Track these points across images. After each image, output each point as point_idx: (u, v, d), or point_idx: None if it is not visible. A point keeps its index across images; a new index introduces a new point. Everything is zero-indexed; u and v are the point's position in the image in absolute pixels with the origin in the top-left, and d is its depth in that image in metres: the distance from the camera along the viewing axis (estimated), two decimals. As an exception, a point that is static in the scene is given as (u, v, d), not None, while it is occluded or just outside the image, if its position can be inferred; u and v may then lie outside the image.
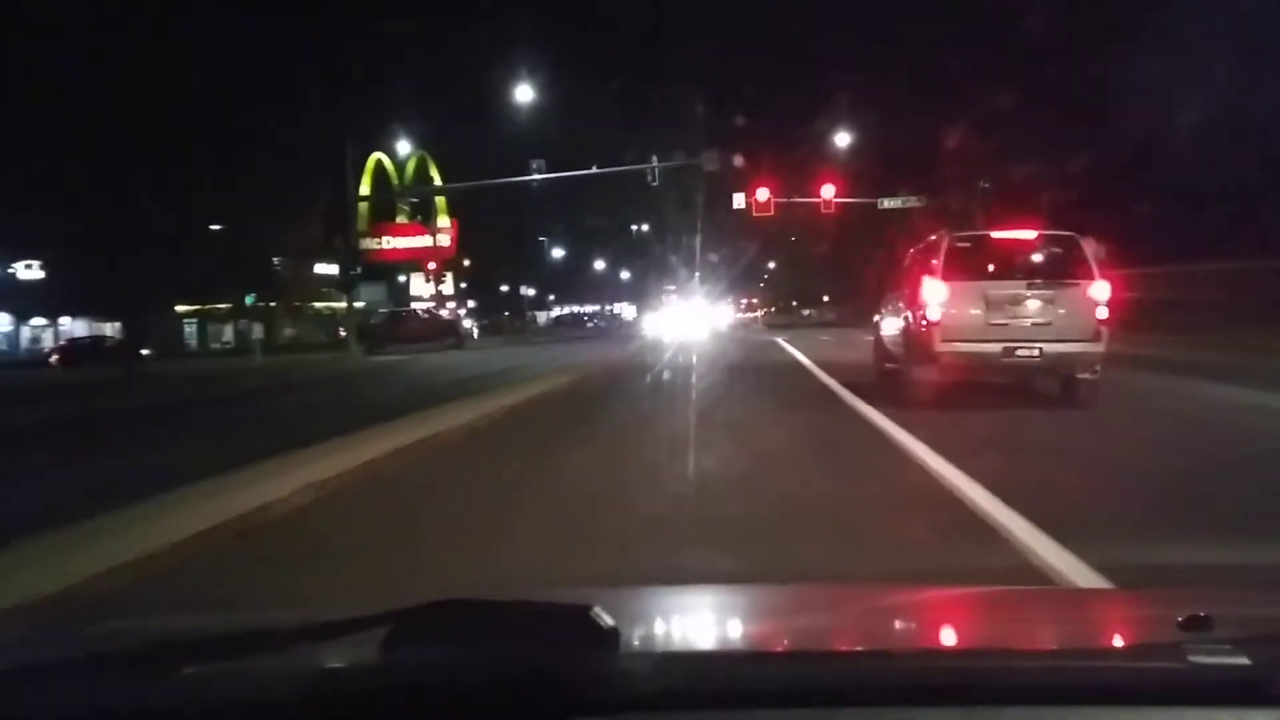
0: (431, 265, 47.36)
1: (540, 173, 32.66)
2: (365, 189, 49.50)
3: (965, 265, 10.32)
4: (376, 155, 49.07)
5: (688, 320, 47.75)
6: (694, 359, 23.60)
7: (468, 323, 48.75)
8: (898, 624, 1.80)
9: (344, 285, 33.66)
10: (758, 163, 47.24)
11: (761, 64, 68.98)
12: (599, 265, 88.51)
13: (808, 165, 48.12)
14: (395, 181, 49.82)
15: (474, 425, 10.06)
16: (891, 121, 47.47)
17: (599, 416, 11.48)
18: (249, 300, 41.84)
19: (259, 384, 22.61)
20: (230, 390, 20.49)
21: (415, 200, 49.44)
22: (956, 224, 44.40)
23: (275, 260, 50.27)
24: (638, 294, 77.28)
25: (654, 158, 33.09)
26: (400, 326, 39.12)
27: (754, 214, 44.11)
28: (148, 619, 2.58)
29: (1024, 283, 10.10)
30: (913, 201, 44.13)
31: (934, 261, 10.40)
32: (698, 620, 1.83)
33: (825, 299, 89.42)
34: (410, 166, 50.07)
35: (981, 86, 39.64)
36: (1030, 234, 10.89)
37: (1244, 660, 1.19)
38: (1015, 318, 9.94)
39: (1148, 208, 28.16)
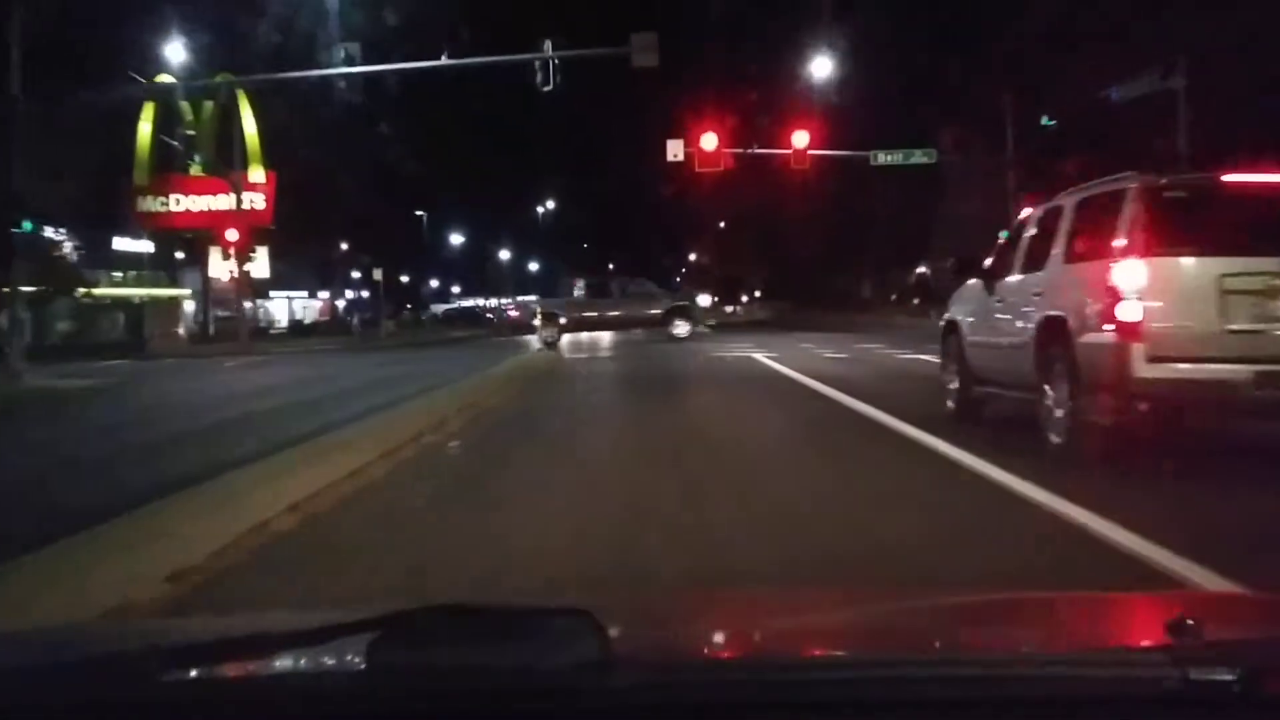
0: (232, 235, 32.65)
1: (353, 63, 18.83)
2: (145, 129, 34.74)
3: (1181, 230, 6.42)
4: (164, 78, 34.21)
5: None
6: (600, 387, 14.15)
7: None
8: (889, 631, 1.74)
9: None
10: (703, 100, 34.05)
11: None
12: (504, 254, 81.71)
13: (772, 107, 35.15)
14: (190, 118, 35.02)
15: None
16: (887, 50, 34.64)
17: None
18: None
19: None
20: None
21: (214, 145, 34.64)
22: (987, 186, 31.81)
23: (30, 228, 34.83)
24: (549, 286, 67.97)
25: (547, 45, 19.53)
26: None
27: (698, 168, 30.87)
28: (134, 624, 2.64)
29: None
30: (919, 157, 31.42)
31: (1124, 221, 6.41)
32: (692, 625, 1.82)
33: (758, 294, 77.71)
34: (209, 100, 35.20)
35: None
36: None
37: (1233, 666, 1.18)
38: (1271, 320, 5.94)
39: None
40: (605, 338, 33.20)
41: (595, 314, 29.07)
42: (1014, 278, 7.75)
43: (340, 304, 73.31)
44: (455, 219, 74.29)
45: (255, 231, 34.83)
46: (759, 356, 18.36)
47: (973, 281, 8.65)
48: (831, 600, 2.18)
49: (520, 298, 76.62)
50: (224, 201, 34.27)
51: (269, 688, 1.25)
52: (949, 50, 32.01)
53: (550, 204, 71.28)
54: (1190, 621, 1.27)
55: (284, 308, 67.43)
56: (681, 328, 28.19)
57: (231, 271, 33.33)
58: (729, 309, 69.04)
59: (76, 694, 1.18)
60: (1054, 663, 1.31)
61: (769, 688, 1.20)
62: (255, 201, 35.14)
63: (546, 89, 19.26)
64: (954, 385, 8.71)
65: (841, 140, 33.04)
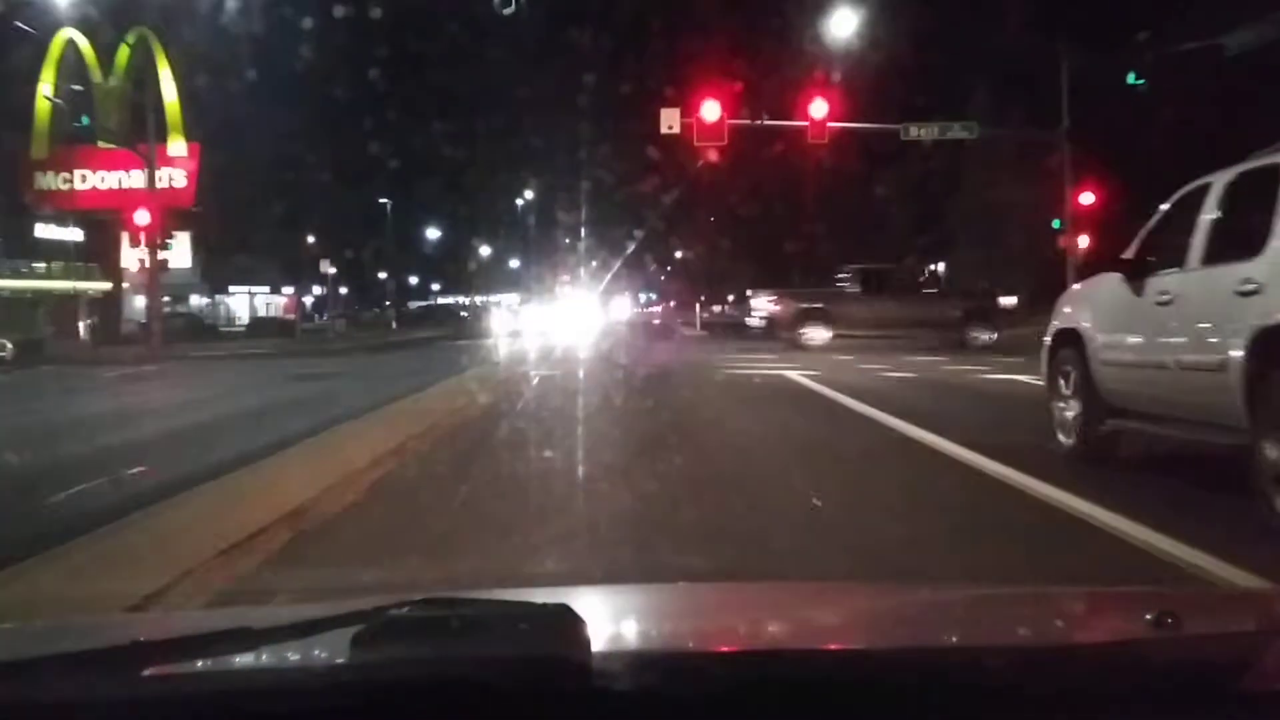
0: (142, 217, 27.31)
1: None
2: (45, 93, 29.38)
3: None
4: (65, 34, 28.97)
5: (568, 320, 35.80)
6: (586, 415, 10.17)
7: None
8: (869, 623, 1.76)
9: None
10: (702, 68, 29.19)
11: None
12: (484, 251, 78.15)
13: (785, 75, 30.17)
14: (98, 79, 29.70)
15: None
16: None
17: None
18: None
19: None
20: None
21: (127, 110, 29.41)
22: (1023, 168, 27.00)
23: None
24: (531, 283, 66.92)
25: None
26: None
27: (697, 141, 25.97)
28: (115, 618, 2.56)
29: None
30: (958, 131, 26.60)
31: None
32: (672, 619, 1.79)
33: (748, 293, 72.75)
34: (122, 55, 29.90)
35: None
36: None
37: (1213, 658, 1.22)
38: None
39: None
40: (586, 340, 28.20)
41: (870, 313, 23.05)
42: (1190, 272, 5.91)
43: (309, 300, 71.08)
44: (436, 215, 71.31)
45: (173, 214, 29.55)
46: (793, 374, 13.50)
47: (1104, 277, 6.84)
48: (808, 594, 2.22)
49: (506, 294, 72.64)
50: (138, 179, 28.95)
51: (250, 682, 1.22)
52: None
53: (529, 194, 66.25)
54: (1174, 616, 1.29)
55: (245, 303, 62.76)
56: (983, 335, 22.69)
57: (142, 260, 28.01)
58: (716, 309, 64.72)
59: (57, 689, 1.16)
60: (1038, 656, 1.31)
61: (748, 682, 1.19)
62: (174, 179, 29.90)
63: (507, 11, 14.49)
64: (1072, 414, 6.95)
65: (865, 114, 28.24)
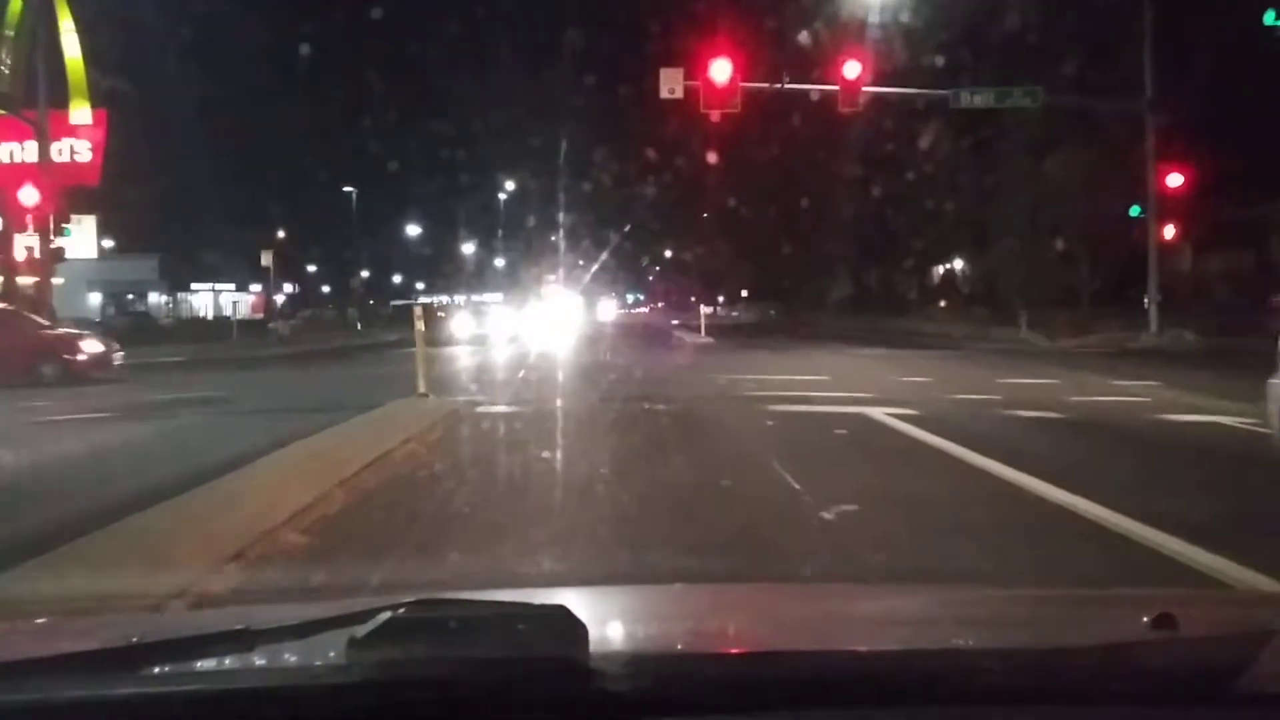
0: (30, 199, 22.33)
1: None
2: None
3: None
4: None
5: (548, 321, 32.02)
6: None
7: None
8: (866, 624, 1.75)
9: None
10: (710, 21, 24.67)
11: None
12: (468, 248, 72.90)
13: (802, 36, 25.50)
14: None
15: None
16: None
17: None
18: None
19: None
20: None
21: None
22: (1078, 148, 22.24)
23: None
24: (516, 282, 64.00)
25: None
26: None
27: (704, 108, 21.42)
28: (116, 619, 2.54)
29: None
30: (1018, 98, 22.05)
31: None
32: (669, 620, 1.79)
33: (744, 294, 68.19)
34: (14, 4, 24.91)
35: None
36: None
37: (1210, 660, 1.21)
38: None
39: None
40: (568, 347, 23.50)
41: None
42: None
43: (280, 298, 67.00)
44: (417, 210, 67.68)
45: (73, 193, 24.64)
46: (877, 413, 8.83)
47: None
48: (804, 596, 2.24)
49: (490, 294, 68.60)
50: (31, 151, 24.00)
51: (249, 682, 1.21)
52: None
53: (510, 185, 61.63)
54: (1172, 618, 1.30)
55: (209, 301, 58.84)
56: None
57: (30, 249, 23.09)
58: (707, 310, 60.44)
59: (57, 689, 1.16)
60: (1037, 658, 1.31)
61: (744, 682, 1.20)
62: (76, 151, 24.99)
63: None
64: None
65: (899, 79, 23.65)
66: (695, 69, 21.83)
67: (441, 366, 17.14)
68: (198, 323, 44.47)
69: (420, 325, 9.77)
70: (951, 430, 7.63)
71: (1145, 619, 1.32)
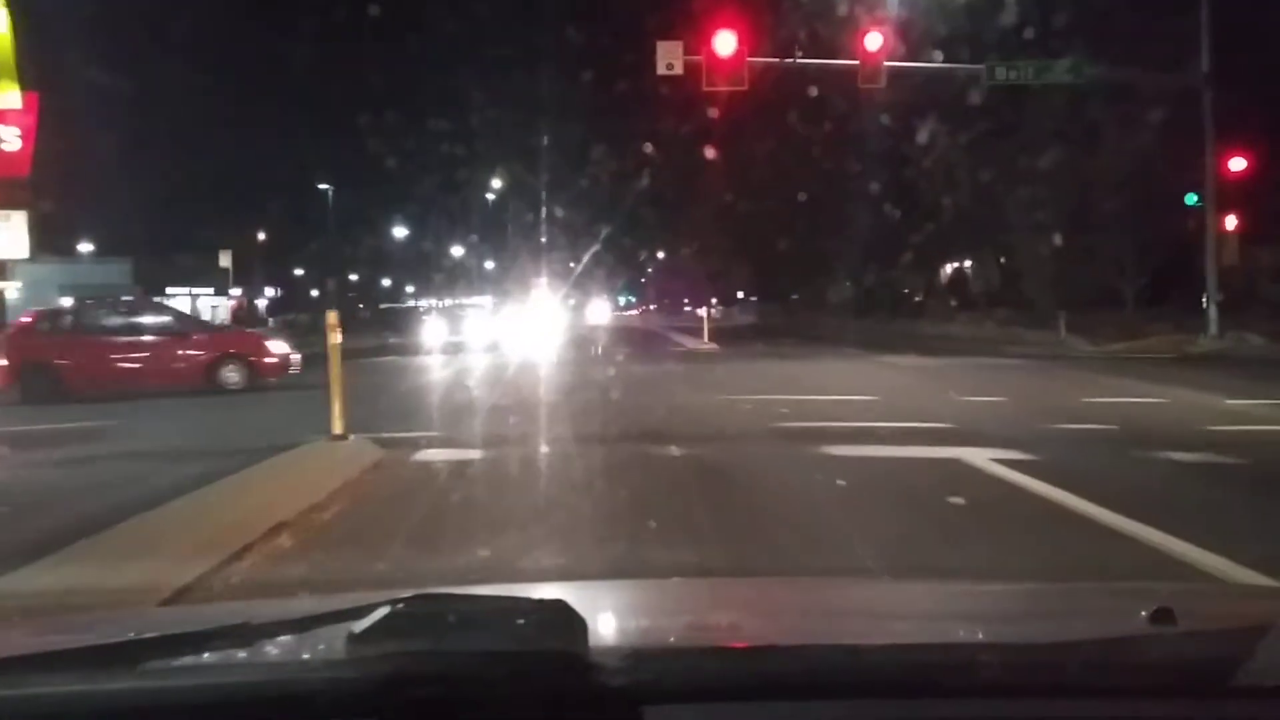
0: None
1: None
2: None
3: None
4: None
5: (533, 324, 29.18)
6: None
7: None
8: (864, 618, 1.74)
9: None
10: None
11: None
12: (456, 251, 70.46)
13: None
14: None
15: None
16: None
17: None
18: None
19: None
20: None
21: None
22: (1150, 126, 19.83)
23: None
24: (510, 283, 60.51)
25: None
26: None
27: (706, 86, 18.92)
28: (115, 613, 2.45)
29: None
30: (1060, 73, 19.61)
31: None
32: (667, 614, 1.79)
33: (740, 295, 65.70)
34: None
35: None
36: None
37: (1208, 653, 1.21)
38: None
39: None
40: (553, 357, 20.91)
41: None
42: None
43: (262, 304, 64.75)
44: (405, 213, 64.57)
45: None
46: (981, 460, 6.28)
47: None
48: (803, 589, 2.21)
49: (479, 296, 66.55)
50: (-45, 141, 21.37)
51: (248, 677, 1.20)
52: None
53: (499, 183, 59.23)
54: (1170, 612, 1.29)
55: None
56: None
57: (-54, 249, 20.46)
58: (700, 312, 57.99)
59: (56, 685, 1.15)
60: (1035, 652, 1.29)
61: (744, 676, 1.19)
62: (4, 139, 22.36)
63: None
64: None
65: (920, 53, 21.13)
66: (697, 43, 19.41)
67: (397, 383, 14.52)
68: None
69: (335, 337, 6.96)
70: (1116, 494, 5.10)
71: (1143, 613, 1.32)
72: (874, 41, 19.19)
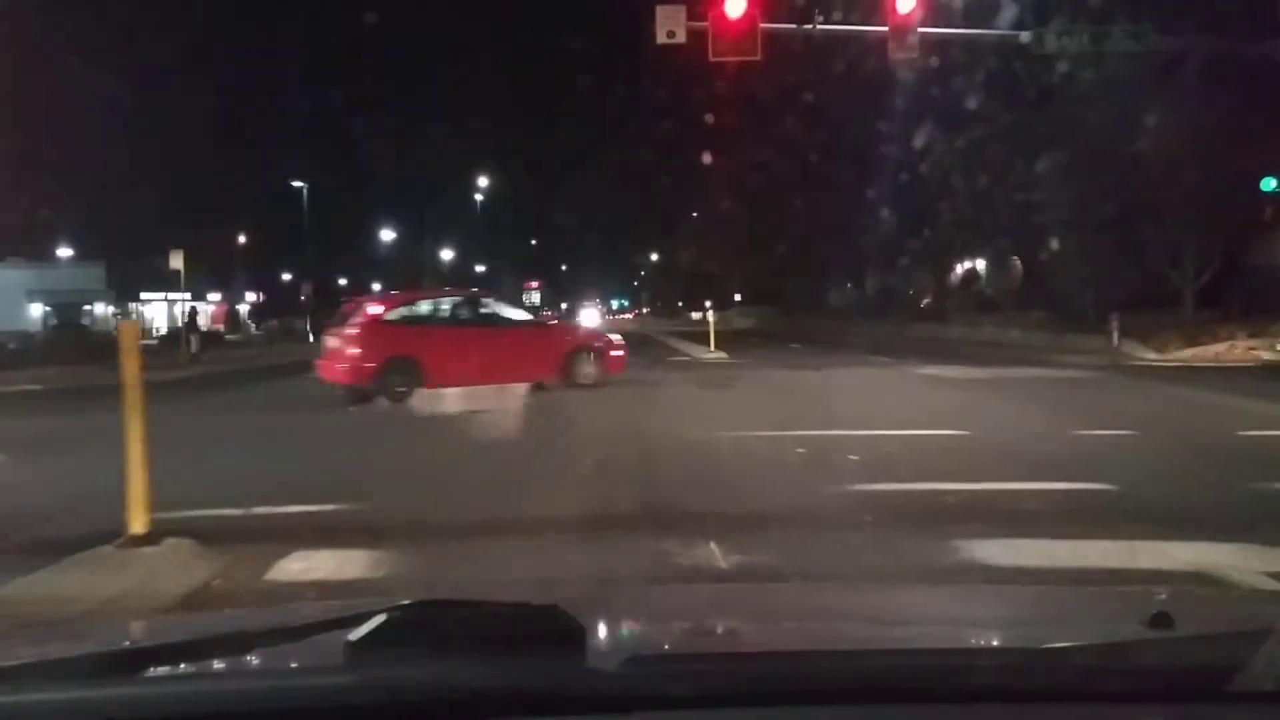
0: None
1: None
2: None
3: None
4: None
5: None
6: None
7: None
8: (863, 623, 1.73)
9: None
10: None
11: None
12: (446, 254, 69.09)
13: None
14: None
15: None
16: None
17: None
18: None
19: None
20: None
21: None
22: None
23: None
24: (499, 288, 58.33)
25: None
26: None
27: (713, 55, 16.24)
28: (114, 622, 2.47)
29: None
30: (1120, 40, 17.10)
31: None
32: (665, 619, 1.76)
33: (737, 298, 63.14)
34: None
35: None
36: None
37: (1206, 658, 1.19)
38: None
39: None
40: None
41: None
42: None
43: (244, 308, 63.72)
44: (395, 216, 63.96)
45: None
46: (1236, 571, 3.68)
47: None
48: (800, 594, 2.20)
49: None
50: None
51: (246, 685, 1.20)
52: None
53: (489, 184, 57.13)
54: (1167, 617, 1.28)
55: (163, 312, 54.35)
56: None
57: None
58: (693, 316, 56.06)
59: (54, 691, 1.14)
60: (1032, 656, 1.29)
61: (743, 681, 1.18)
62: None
63: None
64: None
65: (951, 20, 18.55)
66: (703, 6, 16.86)
67: (323, 422, 11.01)
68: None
69: (130, 365, 3.89)
70: None
71: (1141, 617, 1.32)
72: (906, 4, 16.65)
